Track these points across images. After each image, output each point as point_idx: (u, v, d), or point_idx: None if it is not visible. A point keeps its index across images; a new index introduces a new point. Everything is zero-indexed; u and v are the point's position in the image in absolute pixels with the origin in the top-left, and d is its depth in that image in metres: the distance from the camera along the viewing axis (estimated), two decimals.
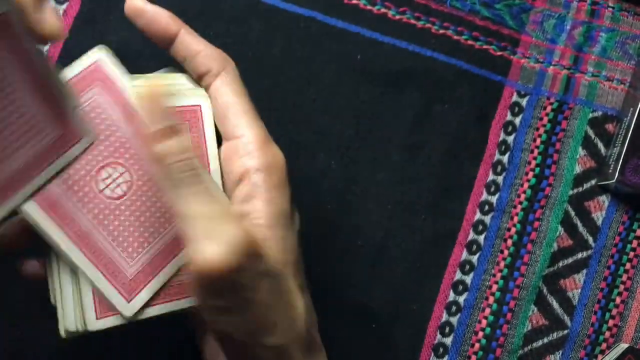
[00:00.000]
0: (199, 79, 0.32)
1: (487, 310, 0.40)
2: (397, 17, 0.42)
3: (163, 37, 0.32)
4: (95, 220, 0.29)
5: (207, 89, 0.32)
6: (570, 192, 0.41)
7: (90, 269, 0.28)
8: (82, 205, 0.29)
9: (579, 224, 0.41)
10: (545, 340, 0.40)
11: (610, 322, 0.41)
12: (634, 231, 0.41)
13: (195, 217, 0.26)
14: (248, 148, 0.31)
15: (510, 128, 0.42)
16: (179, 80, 0.32)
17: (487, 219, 0.41)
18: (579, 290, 0.41)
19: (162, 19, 0.32)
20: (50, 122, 0.27)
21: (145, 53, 0.40)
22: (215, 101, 0.32)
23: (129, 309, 0.28)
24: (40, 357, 0.38)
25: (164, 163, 0.26)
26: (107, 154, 0.29)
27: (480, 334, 0.40)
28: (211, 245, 0.26)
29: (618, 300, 0.41)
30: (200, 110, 0.31)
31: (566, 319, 0.41)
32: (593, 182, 0.42)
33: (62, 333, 0.29)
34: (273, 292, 0.29)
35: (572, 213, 0.41)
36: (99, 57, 0.30)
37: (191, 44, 0.32)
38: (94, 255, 0.29)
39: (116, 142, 0.30)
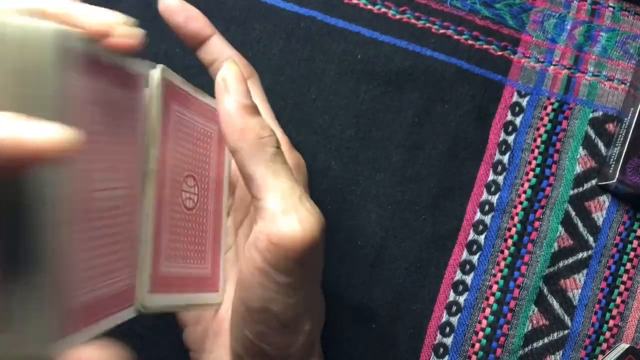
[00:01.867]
0: None
1: (488, 310, 0.40)
2: (398, 16, 0.42)
3: (196, 37, 0.33)
4: (180, 229, 0.29)
5: None
6: (571, 192, 0.41)
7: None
8: (170, 207, 0.28)
9: (580, 224, 0.41)
10: (546, 340, 0.40)
11: (611, 322, 0.41)
12: (635, 231, 0.41)
13: (282, 191, 0.27)
14: None
15: (510, 128, 0.41)
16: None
17: (488, 219, 0.41)
18: (580, 291, 0.41)
19: (200, 20, 0.33)
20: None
21: (146, 53, 0.40)
22: None
23: (147, 299, 0.27)
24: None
25: (256, 136, 0.27)
26: (187, 165, 0.29)
27: (481, 334, 0.40)
28: (298, 219, 0.26)
29: (618, 300, 0.41)
30: None
31: (566, 319, 0.41)
32: (593, 182, 0.42)
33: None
34: (320, 276, 0.30)
35: (573, 213, 0.41)
36: (160, 76, 0.28)
37: (224, 48, 0.33)
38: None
39: (192, 155, 0.30)
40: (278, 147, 0.28)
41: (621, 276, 0.41)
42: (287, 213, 0.27)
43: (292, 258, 0.27)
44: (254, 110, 0.28)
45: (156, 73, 0.27)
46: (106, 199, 0.24)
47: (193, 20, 0.32)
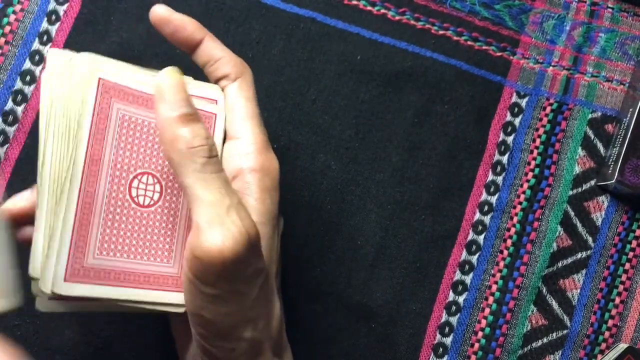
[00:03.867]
0: (216, 83, 0.33)
1: (487, 310, 0.40)
2: (397, 17, 0.42)
3: (189, 44, 0.33)
4: (129, 225, 0.29)
5: (223, 91, 0.33)
6: (570, 193, 0.41)
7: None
8: (118, 210, 0.29)
9: (579, 225, 0.41)
10: (545, 340, 0.41)
11: (610, 322, 0.41)
12: (634, 231, 0.41)
13: (209, 203, 0.27)
14: (248, 149, 0.31)
15: (509, 128, 0.42)
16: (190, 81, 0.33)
17: (487, 219, 0.41)
18: (579, 291, 0.41)
19: (189, 27, 0.33)
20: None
21: (147, 54, 0.40)
22: (227, 103, 0.33)
23: (60, 287, 0.28)
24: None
25: (186, 146, 0.27)
26: (140, 163, 0.30)
27: (480, 334, 0.40)
28: (221, 233, 0.26)
29: (617, 300, 0.41)
30: (217, 104, 0.32)
31: (566, 319, 0.41)
32: (592, 182, 0.42)
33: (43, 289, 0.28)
34: (261, 287, 0.30)
35: (572, 213, 0.41)
36: (96, 74, 0.29)
37: (214, 50, 0.33)
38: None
39: (147, 150, 0.30)
40: (211, 156, 0.28)
41: (620, 276, 0.41)
42: (211, 226, 0.27)
43: (214, 272, 0.27)
44: (189, 118, 0.28)
45: (87, 71, 0.28)
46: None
47: (181, 30, 0.33)
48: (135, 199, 0.29)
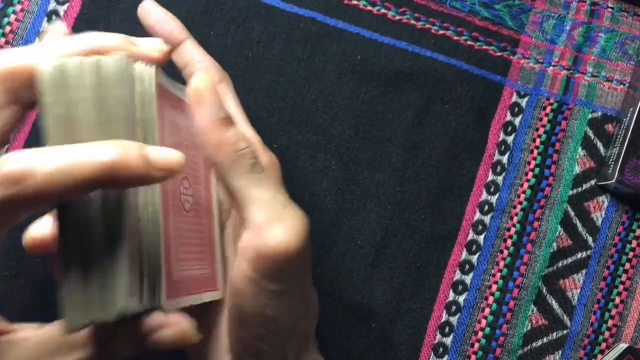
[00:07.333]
0: None
1: (487, 310, 0.40)
2: (397, 17, 0.42)
3: (167, 40, 0.33)
4: (176, 224, 0.29)
5: None
6: (570, 193, 0.41)
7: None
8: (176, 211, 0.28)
9: (579, 224, 0.41)
10: (545, 340, 0.41)
11: (610, 322, 0.41)
12: (634, 231, 0.41)
13: (264, 202, 0.27)
14: None
15: (509, 128, 0.42)
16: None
17: (487, 219, 0.41)
18: (579, 290, 0.41)
19: (170, 23, 0.34)
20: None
21: None
22: None
23: (166, 306, 0.27)
24: None
25: (233, 149, 0.27)
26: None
27: (480, 333, 0.40)
28: (284, 228, 0.27)
29: (617, 300, 0.41)
30: None
31: (566, 319, 0.41)
32: (592, 182, 0.42)
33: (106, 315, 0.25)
34: (310, 274, 0.31)
35: (572, 213, 0.41)
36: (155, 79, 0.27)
37: (195, 52, 0.34)
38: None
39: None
40: (256, 157, 0.28)
41: (620, 276, 0.41)
42: (271, 223, 0.27)
43: (281, 266, 0.27)
44: (229, 121, 0.28)
45: (150, 76, 0.26)
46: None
47: (164, 23, 0.33)
48: (183, 204, 0.29)
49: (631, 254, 0.41)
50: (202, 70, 0.28)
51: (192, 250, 0.30)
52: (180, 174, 0.29)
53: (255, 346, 0.29)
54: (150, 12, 0.34)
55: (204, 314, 0.32)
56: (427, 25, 0.42)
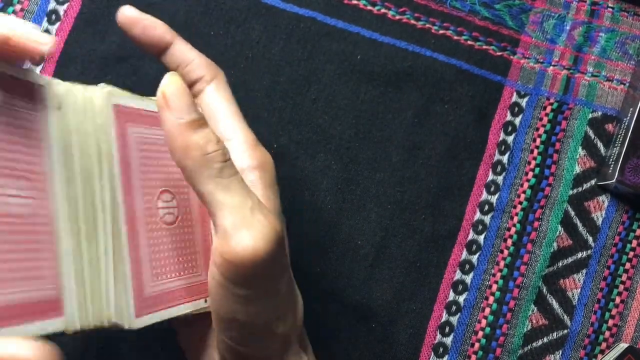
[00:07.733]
0: (191, 86, 0.33)
1: (487, 310, 0.40)
2: (397, 17, 0.42)
3: (158, 44, 0.33)
4: (150, 240, 0.28)
5: (198, 94, 0.33)
6: (570, 192, 0.41)
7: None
8: (149, 226, 0.28)
9: (579, 224, 0.41)
10: (545, 340, 0.41)
11: (610, 322, 0.41)
12: (634, 231, 0.41)
13: (231, 207, 0.27)
14: (241, 148, 0.31)
15: (510, 128, 0.42)
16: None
17: (487, 218, 0.41)
18: (579, 290, 0.41)
19: (159, 27, 0.33)
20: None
21: (146, 54, 0.40)
22: (207, 106, 0.32)
23: (134, 323, 0.27)
24: None
25: (200, 153, 0.27)
26: (158, 182, 0.29)
27: (480, 333, 0.40)
28: (249, 234, 0.26)
29: (618, 300, 0.41)
30: None
31: (566, 318, 0.41)
32: (593, 182, 0.42)
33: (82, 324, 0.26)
34: (288, 282, 0.30)
35: (572, 213, 0.41)
36: (111, 100, 0.28)
37: (186, 52, 0.33)
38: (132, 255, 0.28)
39: (161, 168, 0.30)
40: (226, 160, 0.27)
41: (620, 276, 0.41)
42: (238, 229, 0.26)
43: (247, 273, 0.27)
44: (198, 124, 0.27)
45: (101, 98, 0.26)
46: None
47: (151, 29, 0.32)
48: (163, 218, 0.29)
49: (631, 253, 0.41)
50: (170, 73, 0.28)
51: (178, 261, 0.29)
52: (158, 189, 0.29)
53: (235, 348, 0.29)
54: (135, 22, 0.32)
55: (204, 313, 0.32)
56: (427, 25, 0.42)
